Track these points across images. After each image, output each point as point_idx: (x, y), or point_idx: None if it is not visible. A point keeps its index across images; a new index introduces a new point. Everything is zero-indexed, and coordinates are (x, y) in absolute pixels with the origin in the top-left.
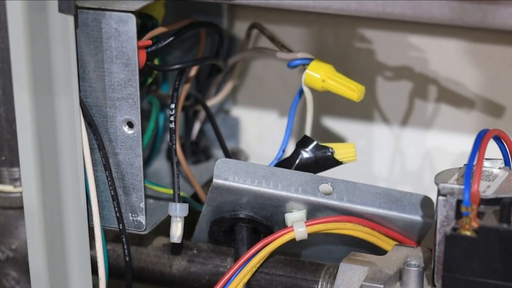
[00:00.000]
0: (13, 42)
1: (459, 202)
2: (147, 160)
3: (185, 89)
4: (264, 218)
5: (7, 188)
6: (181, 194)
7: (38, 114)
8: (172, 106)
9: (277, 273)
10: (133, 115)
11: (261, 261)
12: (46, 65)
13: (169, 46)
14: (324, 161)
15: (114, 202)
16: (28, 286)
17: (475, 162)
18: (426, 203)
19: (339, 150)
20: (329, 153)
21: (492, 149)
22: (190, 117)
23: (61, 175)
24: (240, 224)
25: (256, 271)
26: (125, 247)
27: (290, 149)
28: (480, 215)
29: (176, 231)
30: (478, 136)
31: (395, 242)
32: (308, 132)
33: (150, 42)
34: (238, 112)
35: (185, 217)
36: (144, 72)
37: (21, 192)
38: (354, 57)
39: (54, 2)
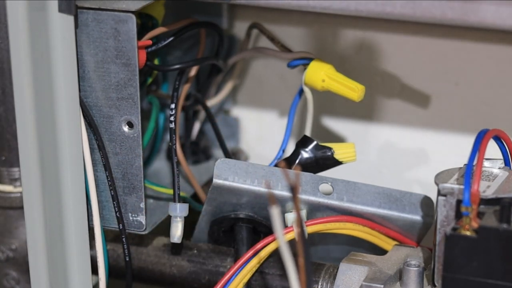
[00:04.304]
0: (13, 42)
1: (459, 202)
2: (147, 160)
3: (185, 89)
4: (264, 218)
5: (7, 188)
6: (181, 194)
7: (38, 114)
8: (172, 106)
9: (277, 273)
10: (133, 115)
11: (261, 261)
12: (46, 65)
13: (169, 46)
14: (324, 161)
15: (114, 202)
16: (28, 286)
17: (475, 162)
18: (426, 203)
19: (339, 150)
20: (329, 153)
21: (492, 149)
22: (190, 117)
23: (61, 175)
24: (240, 224)
25: (256, 271)
26: (125, 247)
27: (290, 149)
28: (480, 215)
29: (176, 231)
30: (478, 136)
31: (395, 242)
32: (308, 132)
33: (150, 42)
34: (238, 112)
35: (185, 217)
36: (144, 72)
37: (21, 192)
38: (354, 57)
39: (54, 2)
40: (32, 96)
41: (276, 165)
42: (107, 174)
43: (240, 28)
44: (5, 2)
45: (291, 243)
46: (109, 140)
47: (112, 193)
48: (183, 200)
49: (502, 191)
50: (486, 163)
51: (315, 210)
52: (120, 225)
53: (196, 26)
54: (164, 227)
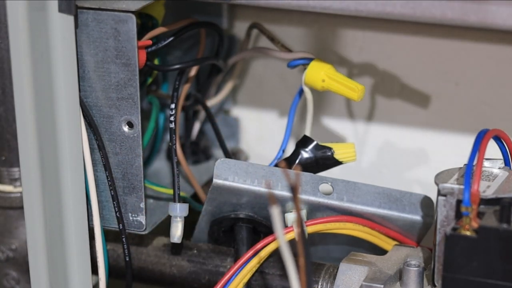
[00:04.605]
0: (13, 42)
1: (459, 202)
2: (147, 160)
3: (185, 89)
4: (264, 218)
5: (7, 188)
6: (181, 194)
7: (38, 114)
8: (172, 106)
9: (277, 273)
10: (133, 115)
11: (261, 261)
12: (46, 65)
13: (169, 46)
14: (324, 161)
15: (114, 202)
16: (28, 286)
17: (475, 162)
18: (426, 203)
19: (339, 150)
20: (329, 153)
21: (492, 149)
22: (190, 117)
23: (61, 175)
24: (240, 224)
25: (256, 271)
26: (125, 247)
27: (290, 149)
28: (480, 215)
29: (176, 231)
30: (478, 136)
31: (395, 242)
32: (308, 132)
33: (150, 42)
34: (238, 112)
35: (185, 217)
36: (144, 72)
37: (21, 192)
38: (354, 57)
39: (54, 2)
40: (32, 96)
41: (276, 165)
42: (107, 174)
43: (240, 28)
44: (5, 2)
45: (291, 243)
46: (109, 140)
47: (112, 193)
48: (183, 200)
49: (502, 191)
50: (486, 163)
51: (315, 210)
52: (120, 225)
53: (196, 26)
54: (164, 227)
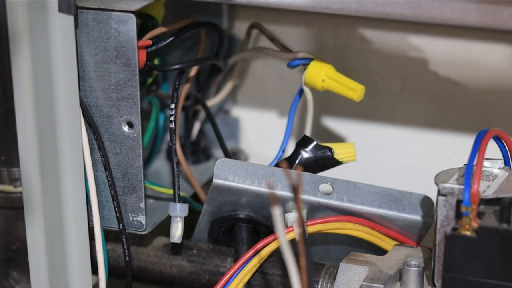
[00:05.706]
0: (13, 42)
1: (459, 202)
2: (147, 160)
3: (185, 89)
4: (264, 218)
5: (7, 188)
6: (181, 194)
7: (38, 114)
8: (172, 106)
9: (277, 273)
10: (133, 115)
11: (261, 261)
12: (46, 65)
13: (169, 46)
14: (324, 161)
15: (114, 202)
16: (28, 286)
17: (475, 162)
18: (426, 203)
19: (339, 150)
20: (329, 153)
21: (492, 149)
22: (190, 117)
23: (61, 175)
24: (240, 224)
25: (256, 271)
26: (125, 247)
27: (290, 149)
28: (480, 215)
29: (176, 231)
30: (478, 136)
31: (395, 242)
32: (308, 132)
33: (150, 42)
34: (238, 112)
35: (185, 217)
36: (144, 72)
37: (21, 192)
38: (354, 57)
39: (54, 2)
40: (32, 96)
41: (276, 165)
42: (107, 174)
43: (240, 28)
44: (5, 2)
45: (291, 243)
46: (109, 140)
47: (112, 193)
48: (183, 200)
49: (502, 191)
50: (486, 163)
51: (315, 210)
52: (120, 225)
53: (196, 26)
54: (164, 227)
